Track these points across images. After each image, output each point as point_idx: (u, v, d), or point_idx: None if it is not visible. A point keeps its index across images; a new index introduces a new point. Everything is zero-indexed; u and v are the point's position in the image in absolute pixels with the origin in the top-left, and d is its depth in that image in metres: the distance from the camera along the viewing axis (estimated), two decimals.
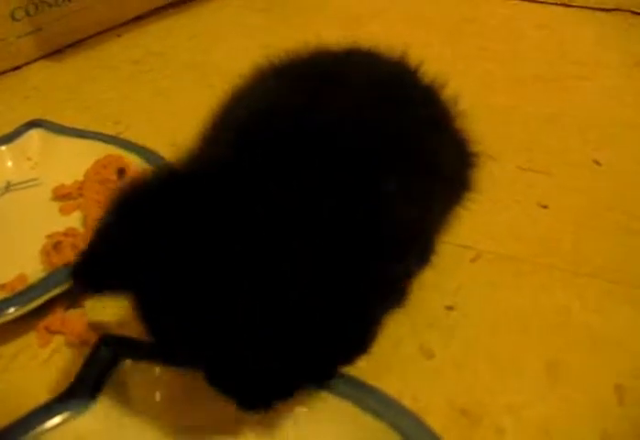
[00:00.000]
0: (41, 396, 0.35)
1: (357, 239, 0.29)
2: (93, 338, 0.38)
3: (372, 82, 0.37)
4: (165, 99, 0.69)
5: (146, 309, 0.29)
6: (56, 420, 0.31)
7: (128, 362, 0.34)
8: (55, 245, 0.42)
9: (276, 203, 0.28)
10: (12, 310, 0.39)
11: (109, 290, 0.30)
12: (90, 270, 0.29)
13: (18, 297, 0.40)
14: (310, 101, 0.33)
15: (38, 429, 0.31)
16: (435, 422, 0.32)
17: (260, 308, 0.26)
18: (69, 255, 0.41)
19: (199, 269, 0.27)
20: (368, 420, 0.31)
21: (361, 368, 0.34)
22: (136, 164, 0.50)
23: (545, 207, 0.52)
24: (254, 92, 0.38)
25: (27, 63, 0.77)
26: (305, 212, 0.28)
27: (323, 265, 0.28)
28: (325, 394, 0.32)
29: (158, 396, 0.33)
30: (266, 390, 0.29)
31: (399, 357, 0.38)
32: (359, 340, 0.31)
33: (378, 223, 0.31)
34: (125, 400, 0.33)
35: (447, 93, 0.40)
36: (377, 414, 0.31)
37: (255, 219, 0.27)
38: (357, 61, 0.40)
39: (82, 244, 0.42)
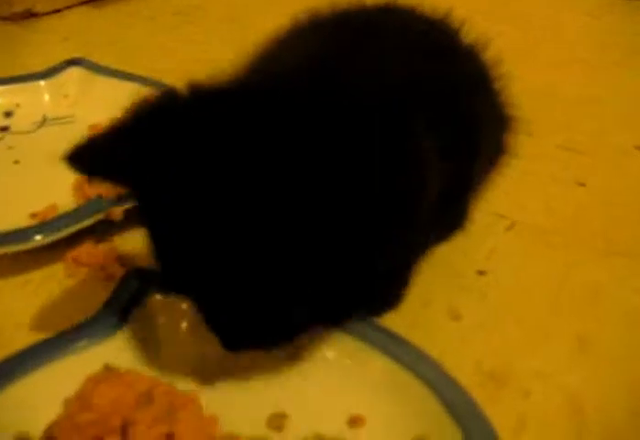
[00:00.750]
0: (65, 324, 0.35)
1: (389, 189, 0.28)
2: (119, 273, 0.38)
3: (411, 37, 0.36)
4: (202, 50, 0.68)
5: (146, 213, 0.29)
6: (83, 343, 0.31)
7: (156, 294, 0.34)
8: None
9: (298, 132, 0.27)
10: (39, 237, 0.39)
11: (102, 177, 0.29)
12: (86, 153, 0.29)
13: (47, 225, 0.40)
14: (346, 55, 0.32)
15: (65, 350, 0.31)
16: (461, 382, 0.31)
17: (265, 239, 0.25)
18: (102, 187, 0.41)
19: (201, 188, 0.26)
20: (396, 370, 0.31)
21: (387, 325, 0.34)
22: None
23: (582, 185, 0.51)
24: (290, 44, 0.37)
25: (68, 7, 0.77)
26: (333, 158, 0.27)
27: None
28: (355, 341, 0.32)
29: (184, 326, 0.33)
30: (252, 331, 0.28)
31: (426, 316, 0.38)
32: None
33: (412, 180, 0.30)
34: (150, 328, 0.33)
35: (488, 55, 0.40)
36: (406, 365, 0.31)
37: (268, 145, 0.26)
38: (395, 17, 0.39)
39: None
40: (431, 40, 0.37)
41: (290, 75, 0.30)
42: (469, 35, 0.40)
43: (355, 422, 0.30)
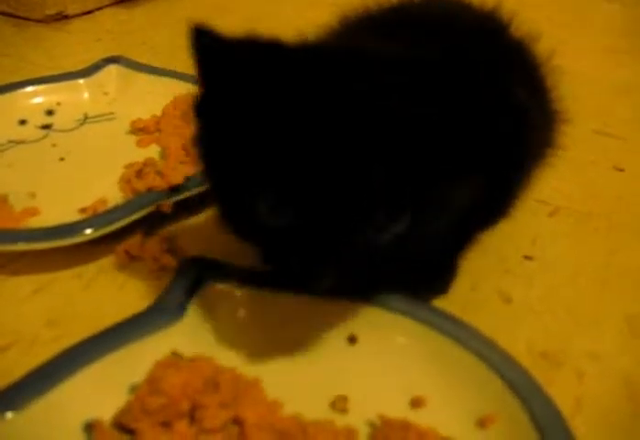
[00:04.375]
0: (120, 315, 0.35)
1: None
2: (171, 264, 0.39)
3: (460, 30, 0.36)
4: None
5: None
6: (147, 329, 0.32)
7: (212, 282, 0.35)
8: (138, 172, 0.43)
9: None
10: (89, 231, 0.39)
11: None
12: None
13: (97, 219, 0.40)
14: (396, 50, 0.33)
15: (130, 337, 0.31)
16: None
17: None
18: (151, 181, 0.41)
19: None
20: (456, 351, 0.31)
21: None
22: None
23: (620, 170, 0.51)
24: (340, 37, 0.37)
25: (99, 8, 0.78)
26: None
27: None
28: (415, 323, 0.32)
29: (241, 313, 0.34)
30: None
31: (476, 299, 0.38)
32: None
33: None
34: (210, 316, 0.33)
35: (540, 49, 0.40)
36: (466, 346, 0.31)
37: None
38: (445, 11, 0.39)
39: (164, 171, 0.42)
40: (479, 33, 0.37)
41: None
42: (520, 28, 0.40)
43: (417, 402, 0.30)
